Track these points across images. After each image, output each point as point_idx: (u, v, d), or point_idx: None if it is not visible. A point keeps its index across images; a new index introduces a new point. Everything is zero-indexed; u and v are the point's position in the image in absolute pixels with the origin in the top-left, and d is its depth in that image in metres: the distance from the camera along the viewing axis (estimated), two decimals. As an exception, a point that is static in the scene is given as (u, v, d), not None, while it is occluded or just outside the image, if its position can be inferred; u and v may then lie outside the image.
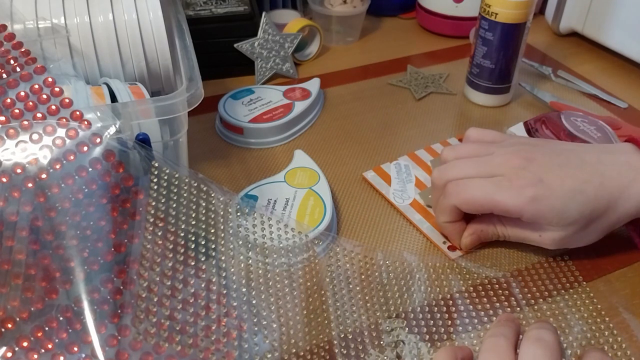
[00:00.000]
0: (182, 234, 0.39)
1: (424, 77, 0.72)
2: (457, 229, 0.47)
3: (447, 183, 0.45)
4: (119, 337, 0.34)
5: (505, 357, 0.34)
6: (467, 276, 0.45)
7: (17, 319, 0.33)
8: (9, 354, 0.33)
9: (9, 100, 0.36)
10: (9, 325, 0.33)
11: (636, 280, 0.45)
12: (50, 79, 0.38)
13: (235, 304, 0.38)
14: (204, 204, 0.41)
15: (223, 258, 0.40)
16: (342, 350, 0.39)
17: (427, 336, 0.40)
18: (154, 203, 0.39)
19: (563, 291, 0.44)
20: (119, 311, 0.35)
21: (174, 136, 0.42)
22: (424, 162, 0.57)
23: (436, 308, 0.42)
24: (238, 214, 0.45)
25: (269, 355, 0.37)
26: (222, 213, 0.42)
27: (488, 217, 0.46)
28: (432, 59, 0.77)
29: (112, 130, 0.37)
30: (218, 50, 0.68)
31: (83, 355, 0.33)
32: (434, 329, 0.41)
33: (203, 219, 0.41)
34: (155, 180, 0.39)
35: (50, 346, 0.33)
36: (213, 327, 0.36)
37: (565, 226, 0.43)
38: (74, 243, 0.35)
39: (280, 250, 0.44)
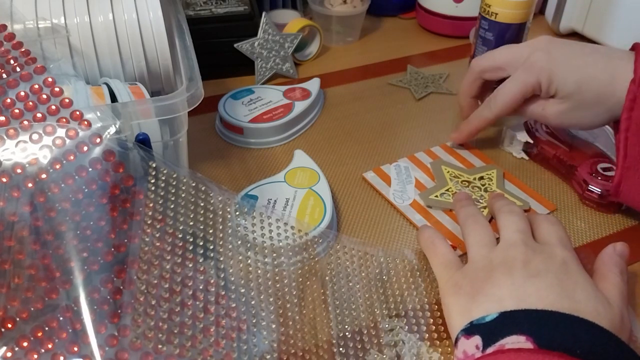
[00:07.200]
0: (181, 235, 0.39)
1: (424, 77, 0.72)
2: (472, 103, 0.57)
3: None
4: (119, 337, 0.34)
5: (487, 227, 0.42)
6: (467, 276, 0.45)
7: (17, 319, 0.33)
8: (9, 354, 0.33)
9: (9, 100, 0.36)
10: (9, 325, 0.33)
11: (636, 280, 0.45)
12: (50, 79, 0.38)
13: (234, 304, 0.38)
14: (202, 204, 0.42)
15: (222, 258, 0.40)
16: (341, 349, 0.39)
17: (427, 335, 0.40)
18: (151, 204, 0.39)
19: (563, 291, 0.44)
20: (119, 311, 0.35)
21: (174, 136, 0.42)
22: (423, 165, 0.56)
23: (436, 307, 0.42)
24: (237, 213, 0.45)
25: (268, 357, 0.37)
26: (221, 213, 0.42)
27: None
28: (432, 59, 0.77)
29: (112, 130, 0.37)
30: (218, 50, 0.68)
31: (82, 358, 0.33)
32: (434, 328, 0.41)
33: (202, 219, 0.41)
34: (153, 181, 0.39)
35: (50, 346, 0.33)
36: (212, 328, 0.36)
37: (564, 97, 0.48)
38: (74, 243, 0.35)
39: (280, 249, 0.44)
